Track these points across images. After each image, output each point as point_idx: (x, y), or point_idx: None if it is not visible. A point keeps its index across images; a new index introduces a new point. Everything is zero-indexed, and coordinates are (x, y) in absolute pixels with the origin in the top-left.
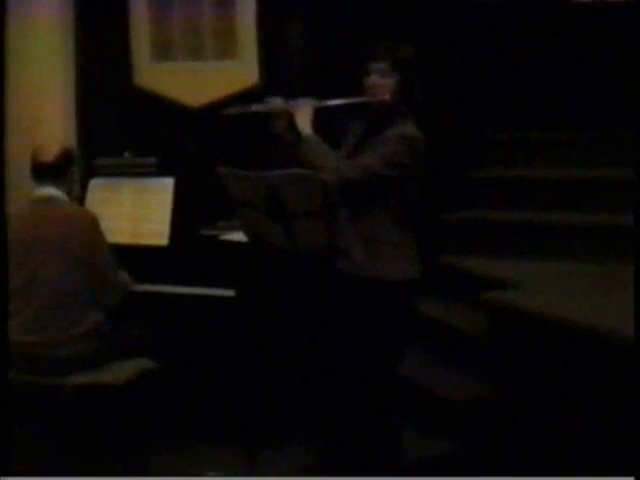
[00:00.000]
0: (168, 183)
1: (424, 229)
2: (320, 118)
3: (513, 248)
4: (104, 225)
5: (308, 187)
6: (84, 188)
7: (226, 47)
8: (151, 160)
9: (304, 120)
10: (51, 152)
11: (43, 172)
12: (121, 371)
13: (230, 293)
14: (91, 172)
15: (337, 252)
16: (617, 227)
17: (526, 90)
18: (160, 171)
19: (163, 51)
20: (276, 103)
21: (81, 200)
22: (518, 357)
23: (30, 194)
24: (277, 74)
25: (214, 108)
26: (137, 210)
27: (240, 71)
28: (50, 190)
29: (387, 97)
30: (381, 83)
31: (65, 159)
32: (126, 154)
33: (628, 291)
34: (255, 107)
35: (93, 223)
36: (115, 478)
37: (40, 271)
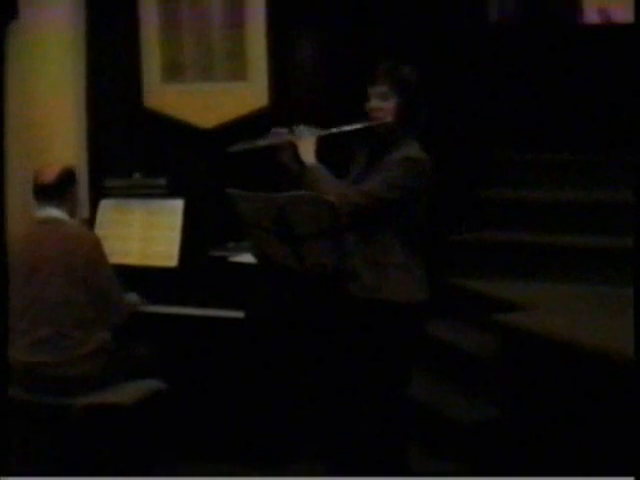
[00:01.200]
0: (178, 204)
1: (433, 250)
2: (326, 144)
3: (522, 270)
4: (114, 246)
5: (316, 209)
6: (94, 209)
7: (236, 68)
8: (161, 181)
9: (307, 150)
10: (52, 172)
11: (44, 193)
12: (129, 391)
13: (239, 314)
14: (101, 193)
15: (345, 274)
16: (627, 249)
17: (537, 111)
18: (170, 192)
19: (173, 72)
20: (280, 135)
21: (90, 221)
22: (527, 379)
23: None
24: (287, 95)
25: (224, 129)
26: (147, 231)
27: (250, 93)
28: (52, 211)
29: (389, 120)
30: (382, 106)
31: (66, 179)
32: (136, 175)
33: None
34: (259, 142)
35: (95, 244)
36: (115, 478)
37: (44, 292)
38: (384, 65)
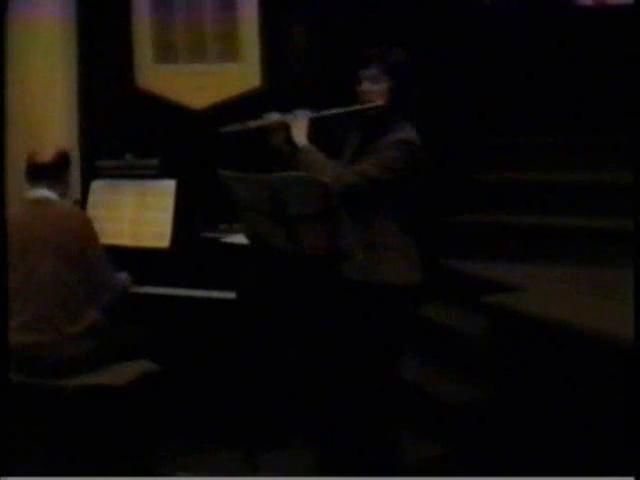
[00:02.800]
0: (170, 185)
1: (426, 232)
2: (319, 127)
3: (514, 251)
4: (106, 227)
5: (310, 189)
6: (86, 190)
7: (228, 49)
8: (153, 162)
9: (300, 132)
10: (47, 154)
11: (39, 174)
12: (122, 373)
13: (231, 295)
14: (93, 174)
15: (339, 256)
16: (620, 231)
17: (532, 94)
18: (162, 173)
19: (165, 53)
20: (272, 117)
21: (82, 202)
22: (518, 360)
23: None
24: (279, 77)
25: (216, 110)
26: (139, 212)
27: (242, 73)
28: (44, 192)
29: (381, 103)
30: (373, 89)
31: (61, 161)
32: (128, 156)
33: (628, 294)
34: (252, 123)
35: (86, 223)
36: (115, 478)
37: (36, 272)
38: (375, 48)
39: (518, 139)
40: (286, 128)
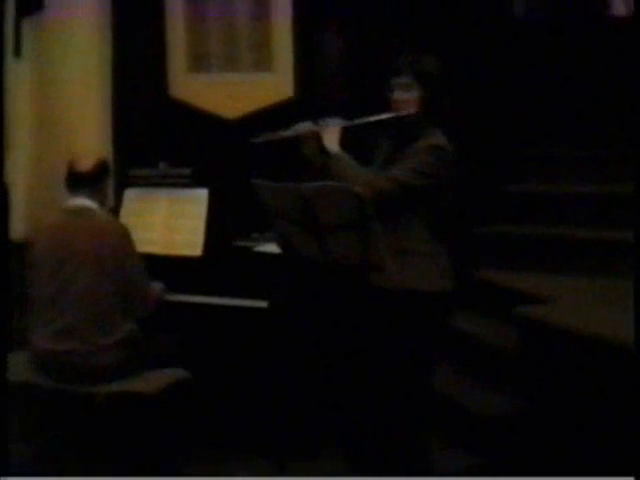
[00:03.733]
0: (202, 194)
1: (458, 243)
2: (350, 136)
3: (546, 263)
4: (138, 235)
5: (342, 200)
6: (119, 198)
7: (262, 59)
8: (186, 171)
9: (332, 139)
10: (88, 163)
11: (78, 182)
12: (154, 380)
13: (263, 304)
14: (126, 182)
15: (370, 266)
16: None
17: (563, 105)
18: (195, 182)
19: (199, 62)
20: (304, 127)
21: (115, 210)
22: (550, 372)
23: (63, 204)
24: (312, 86)
25: (249, 120)
26: (171, 220)
27: (275, 83)
28: (84, 201)
29: (413, 111)
30: (405, 98)
31: (101, 170)
32: (161, 165)
33: None
34: (283, 133)
35: (125, 236)
36: (116, 478)
37: (72, 282)
38: (407, 56)
39: (551, 150)
40: (318, 137)
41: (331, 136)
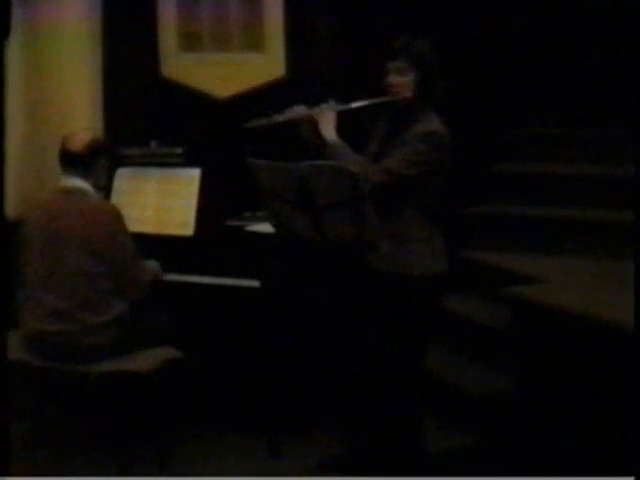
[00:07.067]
0: (194, 173)
1: (447, 224)
2: (345, 118)
3: (537, 243)
4: (130, 214)
5: (337, 179)
6: (110, 177)
7: (253, 39)
8: (178, 150)
9: (328, 126)
10: (81, 141)
11: (71, 161)
12: (146, 359)
13: (255, 284)
14: (118, 162)
15: (364, 245)
16: None
17: (551, 86)
18: (186, 161)
19: (190, 42)
20: (299, 111)
21: (107, 189)
22: (541, 352)
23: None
24: (303, 67)
25: (240, 99)
26: (163, 200)
27: (267, 63)
28: (77, 181)
29: (408, 94)
30: (400, 81)
31: (94, 150)
32: (153, 144)
33: None
34: (277, 117)
35: (116, 217)
36: (115, 478)
37: (63, 262)
38: (402, 40)
39: (540, 130)
40: (313, 121)
41: (327, 123)
